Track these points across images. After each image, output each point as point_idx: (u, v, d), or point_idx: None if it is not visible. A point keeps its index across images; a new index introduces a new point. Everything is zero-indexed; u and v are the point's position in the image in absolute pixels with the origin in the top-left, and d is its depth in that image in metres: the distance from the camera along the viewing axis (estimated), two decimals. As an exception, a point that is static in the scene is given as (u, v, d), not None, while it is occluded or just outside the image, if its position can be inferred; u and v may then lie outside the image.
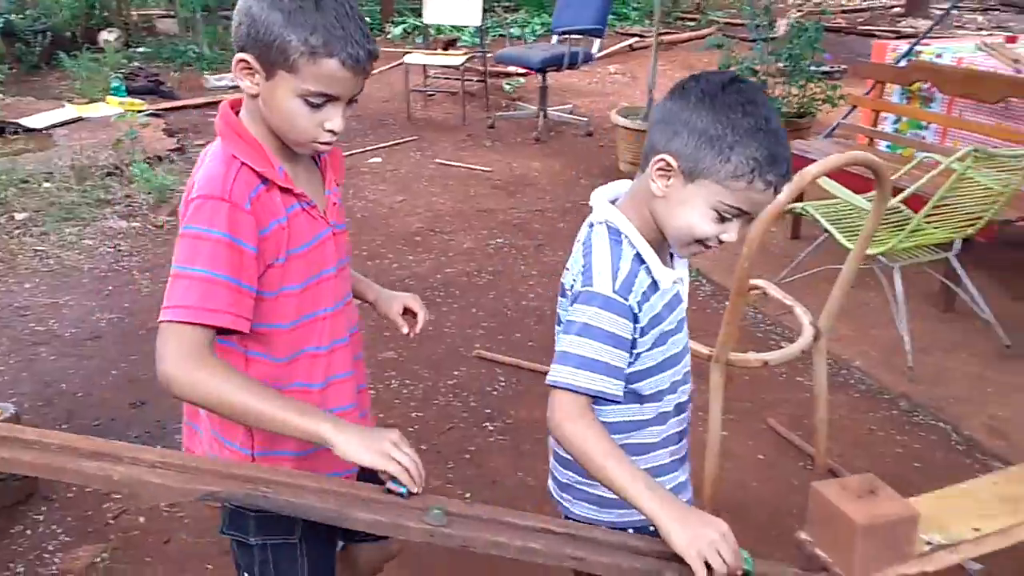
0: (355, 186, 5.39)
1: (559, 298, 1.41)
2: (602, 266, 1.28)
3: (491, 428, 2.90)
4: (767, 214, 2.11)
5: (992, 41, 4.54)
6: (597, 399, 1.27)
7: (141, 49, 9.09)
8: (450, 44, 7.82)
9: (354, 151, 6.04)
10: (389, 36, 10.07)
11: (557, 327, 1.40)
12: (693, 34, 10.67)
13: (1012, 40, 4.69)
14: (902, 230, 3.19)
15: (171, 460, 1.15)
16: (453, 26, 9.07)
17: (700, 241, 1.28)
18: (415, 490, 1.17)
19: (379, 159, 5.95)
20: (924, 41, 4.72)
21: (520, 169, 5.80)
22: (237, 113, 1.36)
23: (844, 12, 13.69)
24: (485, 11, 7.20)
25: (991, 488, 1.29)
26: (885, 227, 3.29)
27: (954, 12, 13.58)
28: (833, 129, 4.73)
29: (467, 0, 6.98)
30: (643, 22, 11.84)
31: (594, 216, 1.36)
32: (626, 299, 1.27)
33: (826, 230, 3.44)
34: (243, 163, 1.29)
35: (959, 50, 4.41)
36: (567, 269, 1.38)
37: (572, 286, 1.33)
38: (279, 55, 1.22)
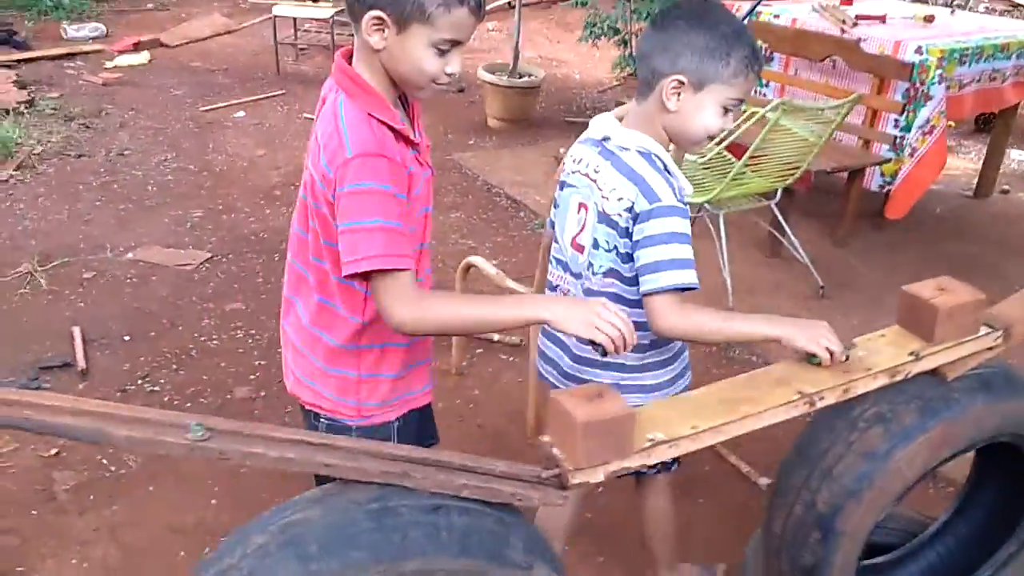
0: (216, 140, 5.31)
1: (599, 225, 1.62)
2: (659, 184, 1.55)
3: (333, 373, 2.98)
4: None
5: (826, 3, 4.81)
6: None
7: (-4, -2, 8.57)
8: (319, -4, 7.67)
9: (217, 105, 5.93)
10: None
11: (605, 252, 1.62)
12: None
13: (847, 2, 4.97)
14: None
15: (-70, 386, 1.18)
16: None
17: (712, 137, 1.59)
18: (614, 352, 1.36)
19: (243, 113, 5.85)
20: (769, 3, 4.96)
21: (388, 124, 5.81)
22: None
23: (720, -26, 14.05)
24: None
25: (716, 394, 1.46)
26: (713, 176, 3.50)
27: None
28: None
29: (335, -49, 6.87)
30: (524, -20, 11.85)
31: (618, 143, 1.60)
32: (685, 205, 1.57)
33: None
34: (378, 119, 1.38)
35: (796, 11, 4.66)
36: (605, 197, 1.60)
37: (630, 208, 1.56)
38: (415, 10, 1.32)
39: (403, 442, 1.54)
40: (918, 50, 3.86)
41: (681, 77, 1.52)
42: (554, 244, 1.78)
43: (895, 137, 3.91)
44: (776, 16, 4.56)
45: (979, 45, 3.99)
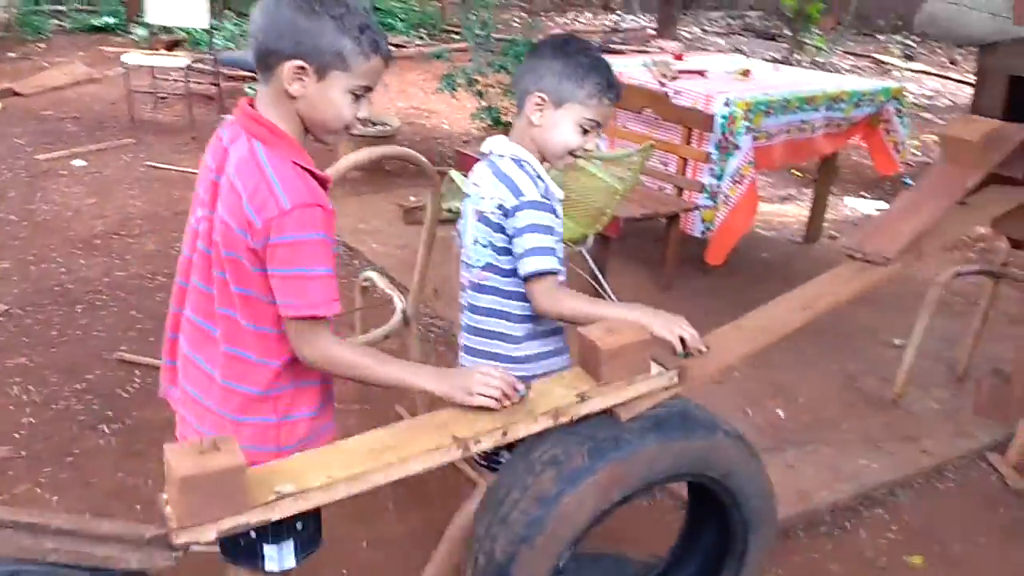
0: (46, 189, 5.12)
1: (477, 223, 1.78)
2: (523, 182, 1.72)
3: (106, 431, 2.84)
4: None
5: (659, 58, 4.97)
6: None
7: None
8: (175, 45, 7.57)
9: (56, 154, 5.74)
10: (134, 37, 9.62)
11: (483, 248, 1.79)
12: (455, 46, 10.93)
13: (679, 57, 5.16)
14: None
15: None
16: (180, 27, 8.71)
17: (571, 152, 1.76)
18: (507, 404, 1.49)
19: (84, 162, 5.67)
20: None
21: (236, 173, 5.71)
22: None
23: (605, 32, 14.54)
24: (220, 13, 7.03)
25: (367, 442, 1.43)
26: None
27: (700, 34, 14.79)
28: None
29: (192, 1, 6.81)
30: (408, 33, 12.01)
31: (497, 153, 1.79)
32: (549, 200, 1.73)
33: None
34: (301, 166, 1.42)
35: (624, 65, 4.80)
36: (482, 198, 1.77)
37: (501, 206, 1.72)
38: (337, 59, 1.39)
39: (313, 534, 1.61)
40: (726, 103, 4.00)
41: (543, 94, 1.72)
42: (462, 250, 1.90)
43: (704, 185, 4.03)
44: (605, 69, 4.69)
45: (785, 98, 4.16)
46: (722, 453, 1.64)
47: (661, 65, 4.71)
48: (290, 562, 1.55)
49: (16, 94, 7.42)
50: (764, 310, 1.92)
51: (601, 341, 1.54)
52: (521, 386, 1.51)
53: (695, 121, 4.00)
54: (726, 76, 4.62)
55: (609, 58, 5.39)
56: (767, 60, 11.66)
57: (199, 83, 7.18)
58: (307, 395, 1.54)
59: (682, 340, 1.67)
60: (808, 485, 2.70)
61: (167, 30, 8.61)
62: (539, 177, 1.76)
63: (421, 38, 11.77)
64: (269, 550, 1.53)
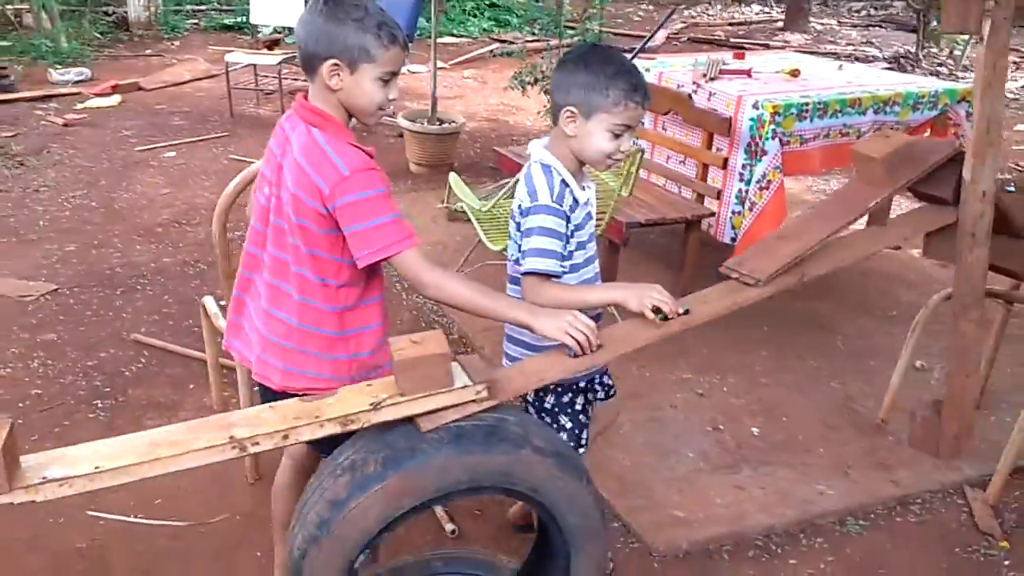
0: (132, 179, 5.57)
1: (511, 222, 2.00)
2: (541, 187, 1.89)
3: (100, 406, 3.09)
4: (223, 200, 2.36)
5: (715, 57, 4.81)
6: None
7: (2, 43, 9.16)
8: (274, 44, 7.99)
9: (153, 146, 6.21)
10: (260, 35, 10.20)
11: (513, 243, 1.99)
12: (561, 42, 10.92)
13: (740, 56, 4.97)
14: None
15: None
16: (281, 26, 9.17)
17: (609, 156, 1.88)
18: (581, 353, 1.74)
19: (173, 153, 6.12)
20: (653, 56, 4.98)
21: (308, 167, 5.99)
22: None
23: (730, 25, 14.09)
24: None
25: (149, 437, 1.51)
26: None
27: (834, 26, 14.04)
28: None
29: (291, 1, 7.20)
30: (523, 29, 12.11)
31: (533, 157, 1.96)
32: (560, 205, 1.88)
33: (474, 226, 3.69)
34: (351, 144, 1.72)
35: (667, 65, 4.69)
36: (516, 199, 1.97)
37: (520, 205, 1.92)
38: (363, 53, 1.69)
39: None
40: (755, 105, 3.84)
41: (572, 108, 1.85)
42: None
43: (719, 190, 3.89)
44: (647, 70, 4.60)
45: (823, 100, 3.94)
46: (527, 468, 1.63)
47: (710, 65, 4.57)
48: None
49: (141, 89, 8.08)
50: (618, 325, 1.88)
51: (398, 353, 1.57)
52: (587, 349, 1.73)
53: (713, 124, 3.87)
54: (772, 76, 4.41)
55: (660, 56, 5.23)
56: (899, 54, 10.94)
57: (295, 79, 7.56)
58: (369, 337, 1.85)
59: (658, 308, 1.83)
60: (749, 507, 2.59)
61: (290, 29, 9.10)
62: (563, 183, 1.90)
63: (534, 33, 11.83)
64: None
